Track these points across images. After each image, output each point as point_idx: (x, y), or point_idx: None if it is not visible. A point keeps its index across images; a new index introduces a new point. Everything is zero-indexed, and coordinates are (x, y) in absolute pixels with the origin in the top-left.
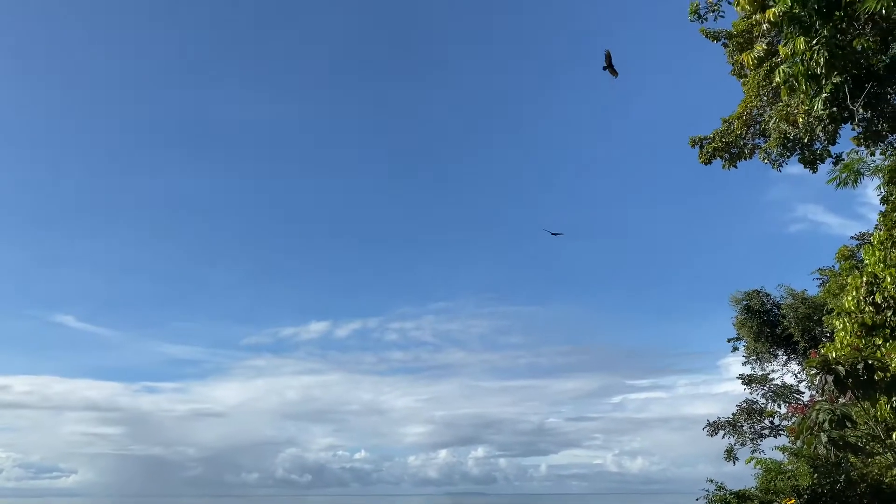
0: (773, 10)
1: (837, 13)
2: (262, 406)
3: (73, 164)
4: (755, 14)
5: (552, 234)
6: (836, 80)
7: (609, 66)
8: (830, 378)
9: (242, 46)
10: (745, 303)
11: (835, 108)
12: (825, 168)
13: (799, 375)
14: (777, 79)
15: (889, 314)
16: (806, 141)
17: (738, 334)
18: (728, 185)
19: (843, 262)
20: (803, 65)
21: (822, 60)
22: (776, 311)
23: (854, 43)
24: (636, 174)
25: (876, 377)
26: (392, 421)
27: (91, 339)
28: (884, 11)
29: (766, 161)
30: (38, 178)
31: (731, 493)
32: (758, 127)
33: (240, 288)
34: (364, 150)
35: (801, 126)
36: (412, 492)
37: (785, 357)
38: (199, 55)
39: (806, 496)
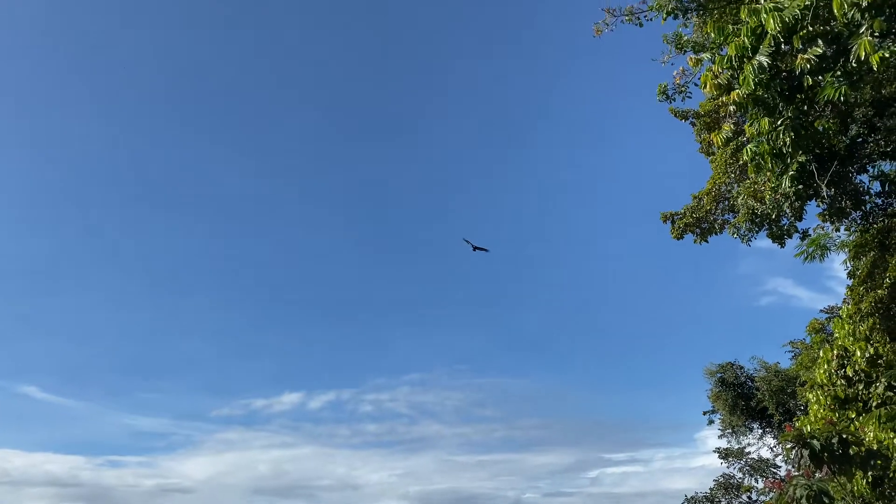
0: (738, 92)
1: (799, 96)
2: (231, 481)
3: (38, 228)
4: (721, 96)
5: (475, 248)
6: (801, 158)
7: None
8: (806, 452)
9: (215, 111)
10: (719, 375)
11: (801, 186)
12: (793, 243)
13: (775, 449)
14: (744, 157)
15: (860, 387)
16: (773, 217)
17: (713, 407)
18: (700, 259)
19: (814, 335)
20: (769, 144)
21: (787, 140)
22: (750, 383)
23: (816, 124)
24: (609, 246)
25: (851, 451)
26: (365, 496)
27: (55, 410)
28: (841, 98)
29: (735, 236)
30: (3, 243)
31: None
32: (727, 203)
33: (211, 357)
34: (338, 221)
35: (768, 202)
36: None
37: (760, 430)
38: (170, 115)
39: None
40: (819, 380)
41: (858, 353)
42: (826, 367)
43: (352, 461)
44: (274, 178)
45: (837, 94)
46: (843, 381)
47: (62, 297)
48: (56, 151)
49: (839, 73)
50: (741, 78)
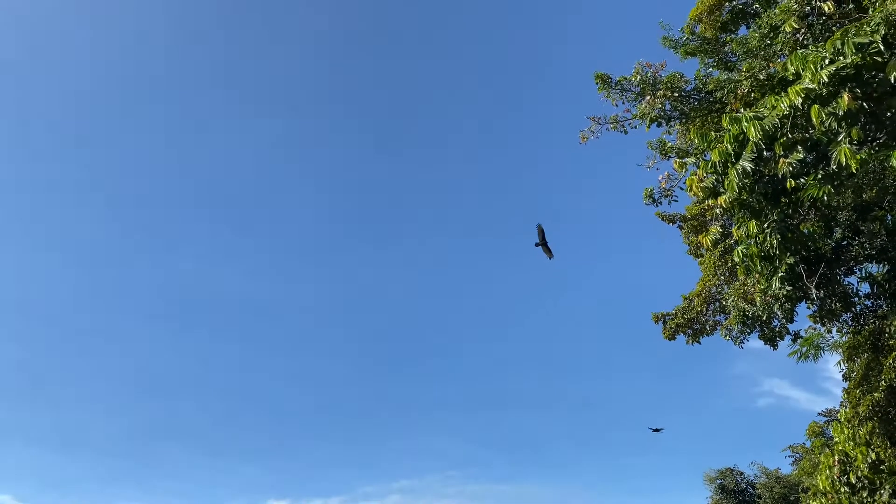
0: (724, 197)
1: (783, 199)
2: None
3: (18, 334)
4: (707, 199)
5: (654, 430)
6: (790, 260)
7: (543, 244)
8: None
9: (207, 213)
10: (719, 481)
11: (790, 288)
12: (785, 344)
13: None
14: (734, 259)
15: (864, 495)
16: (765, 318)
17: None
18: (695, 359)
19: (814, 440)
20: (757, 246)
21: (774, 242)
22: (751, 490)
23: (801, 227)
24: (603, 348)
25: None
26: None
27: None
28: (825, 198)
29: (727, 338)
30: None
31: None
32: (717, 304)
33: (191, 462)
34: (329, 326)
35: (758, 304)
36: None
37: None
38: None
39: None
40: (822, 487)
41: (860, 459)
42: (828, 472)
43: None
44: (259, 280)
45: (821, 193)
46: (846, 489)
47: (40, 403)
48: (36, 248)
49: (821, 175)
50: (726, 182)
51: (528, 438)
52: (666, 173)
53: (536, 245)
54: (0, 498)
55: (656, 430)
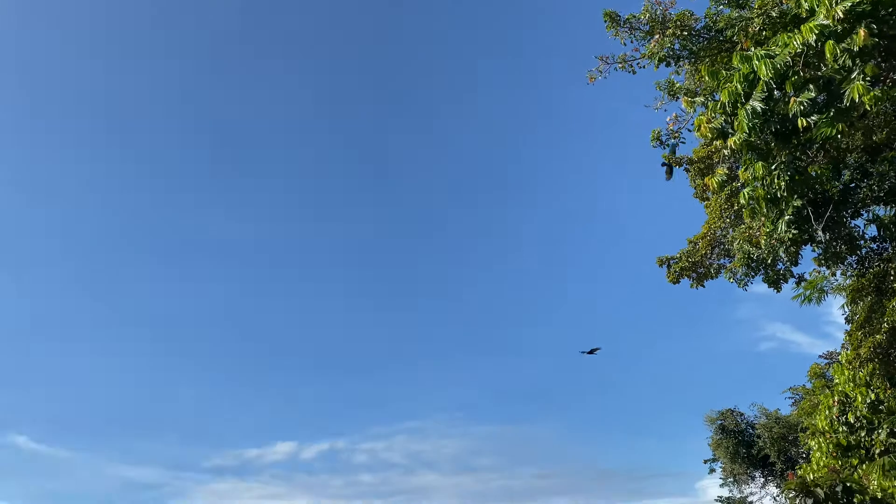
0: (733, 138)
1: (793, 140)
2: None
3: (25, 276)
4: (715, 141)
5: (590, 351)
6: (796, 203)
7: (591, 351)
8: (810, 501)
9: (208, 158)
10: (719, 422)
11: (796, 230)
12: (789, 287)
13: (778, 498)
14: (740, 202)
15: (863, 434)
16: (769, 261)
17: (714, 455)
18: (698, 304)
19: (815, 381)
20: (763, 188)
21: (781, 184)
22: (751, 430)
23: (809, 169)
24: (607, 292)
25: (856, 500)
26: None
27: (45, 460)
28: (838, 135)
29: (731, 280)
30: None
31: None
32: (722, 247)
33: (203, 405)
34: (333, 269)
35: (763, 247)
36: None
37: (762, 479)
38: (161, 164)
39: None
40: (821, 426)
41: (859, 399)
42: (827, 413)
43: None
44: (267, 226)
45: (833, 131)
46: (844, 428)
47: (53, 347)
48: (43, 199)
49: (833, 113)
50: (735, 123)
51: (533, 382)
52: (674, 115)
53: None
54: (15, 439)
55: (591, 352)
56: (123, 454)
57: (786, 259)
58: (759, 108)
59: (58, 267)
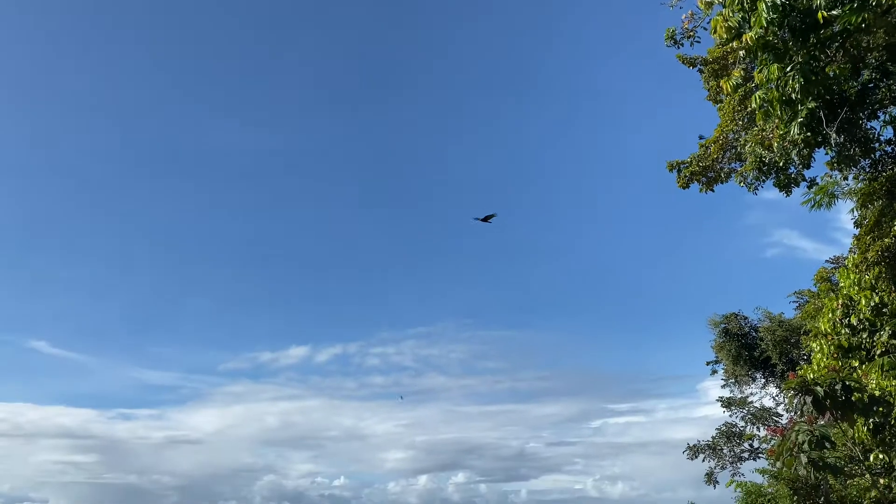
0: (749, 34)
1: (812, 38)
2: (240, 433)
3: (45, 188)
4: (731, 41)
5: (484, 219)
6: (811, 105)
7: (485, 219)
8: (809, 399)
9: (214, 71)
10: (723, 326)
11: (809, 133)
12: (799, 192)
13: (777, 398)
14: (753, 104)
15: (864, 336)
16: (781, 165)
17: (716, 357)
18: (706, 210)
19: (819, 285)
20: (778, 90)
21: (796, 86)
22: (754, 333)
23: (826, 69)
24: (613, 197)
25: (854, 398)
26: (372, 446)
27: (65, 364)
28: (862, 24)
29: (742, 184)
30: (10, 202)
31: None
32: (734, 151)
33: (216, 312)
34: (342, 175)
35: (776, 150)
36: None
37: (763, 380)
38: (172, 80)
39: None
40: (823, 328)
41: (863, 302)
42: (831, 315)
43: (359, 413)
44: (274, 133)
45: (857, 20)
46: (847, 330)
47: (70, 255)
48: (62, 116)
49: (856, 4)
50: (753, 17)
51: (540, 287)
52: (689, 13)
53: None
54: (36, 344)
55: (485, 220)
56: (140, 358)
57: (798, 162)
58: (778, 2)
59: (74, 179)
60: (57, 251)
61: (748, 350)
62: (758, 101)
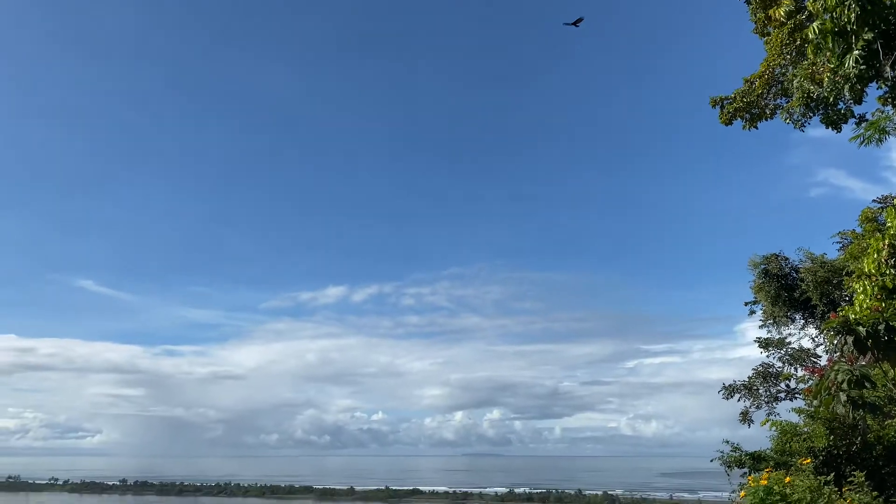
0: None
1: None
2: (281, 369)
3: (88, 132)
4: None
5: (572, 23)
6: (867, 36)
7: (574, 23)
8: (850, 339)
9: (271, 17)
10: (763, 266)
11: (864, 66)
12: (848, 129)
13: (816, 339)
14: (809, 35)
15: None
16: (830, 100)
17: (755, 298)
18: (749, 149)
19: (865, 225)
20: (833, 21)
21: (852, 16)
22: (794, 274)
23: None
24: (655, 137)
25: None
26: (409, 383)
27: (110, 302)
28: None
29: (787, 121)
30: (58, 145)
31: (746, 454)
32: (780, 86)
33: (257, 253)
34: (378, 117)
35: (826, 85)
36: (429, 453)
37: (802, 321)
38: (226, 21)
39: (822, 457)
40: (867, 269)
41: None
42: (876, 256)
43: (395, 351)
44: (312, 79)
45: None
46: (892, 271)
47: (112, 197)
48: (103, 55)
49: None
50: None
51: (576, 232)
52: None
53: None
54: (83, 283)
55: (574, 24)
56: (184, 297)
57: (849, 97)
58: None
59: (115, 123)
60: (99, 193)
61: (788, 291)
62: (814, 32)
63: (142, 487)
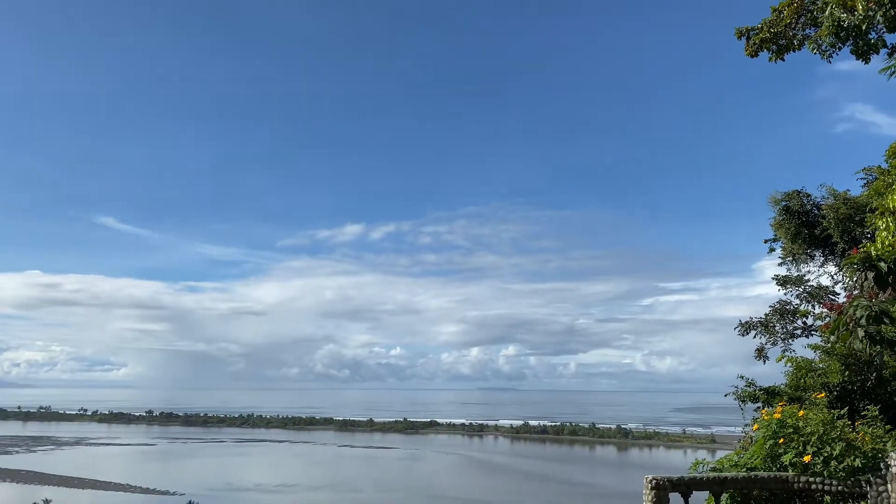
0: None
1: None
2: (300, 305)
3: (110, 69)
4: None
5: None
6: None
7: None
8: (871, 274)
9: None
10: (784, 203)
11: None
12: (878, 60)
13: (835, 277)
14: None
15: None
16: (863, 28)
17: (775, 235)
18: (774, 83)
19: (892, 160)
20: None
21: None
22: (816, 211)
23: None
24: (677, 68)
25: None
26: (426, 320)
27: (132, 239)
28: None
29: (815, 52)
30: (77, 83)
31: (760, 389)
32: (810, 15)
33: (275, 191)
34: (394, 55)
35: (859, 12)
36: (446, 387)
37: (822, 258)
38: None
39: (836, 392)
40: (891, 206)
41: None
42: None
43: (412, 288)
44: (332, 14)
45: None
46: None
47: (127, 135)
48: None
49: None
50: None
51: (593, 166)
52: None
53: None
54: (104, 219)
55: None
56: (204, 234)
57: (882, 24)
58: None
59: (131, 58)
60: (115, 131)
61: (808, 228)
62: None
63: (167, 418)
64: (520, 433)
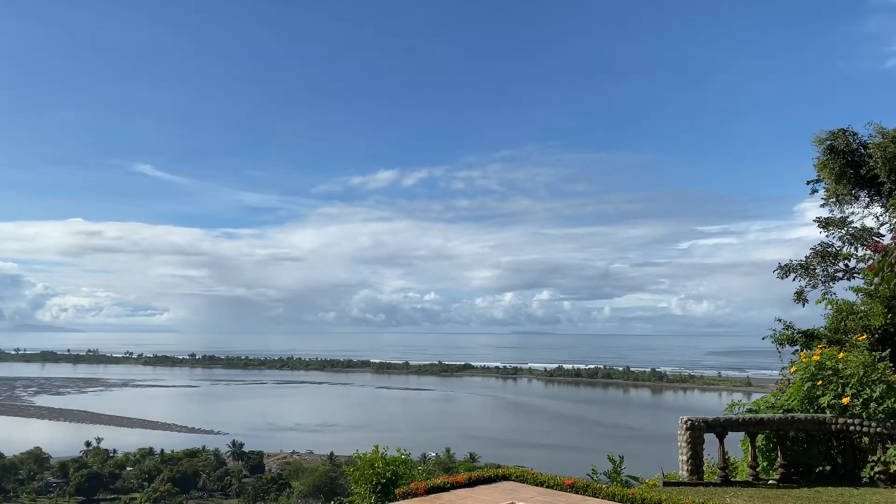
0: None
1: None
2: (335, 251)
3: (145, 15)
4: None
5: None
6: None
7: None
8: None
9: None
10: (828, 143)
11: None
12: None
13: (881, 218)
14: None
15: None
16: None
17: (818, 176)
18: (821, 17)
19: None
20: None
21: None
22: (862, 150)
23: None
24: (718, 4)
25: None
26: (460, 265)
27: (169, 187)
28: None
29: None
30: (111, 31)
31: (798, 332)
32: None
33: (307, 137)
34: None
35: None
36: (480, 331)
37: (867, 199)
38: None
39: (877, 335)
40: None
41: None
42: None
43: (446, 234)
44: None
45: None
46: None
47: (162, 82)
48: None
49: None
50: None
51: (630, 108)
52: None
53: None
54: (141, 167)
55: None
56: (239, 181)
57: None
58: None
59: (167, 5)
60: (149, 79)
61: (854, 168)
62: None
63: (210, 361)
64: (553, 376)
